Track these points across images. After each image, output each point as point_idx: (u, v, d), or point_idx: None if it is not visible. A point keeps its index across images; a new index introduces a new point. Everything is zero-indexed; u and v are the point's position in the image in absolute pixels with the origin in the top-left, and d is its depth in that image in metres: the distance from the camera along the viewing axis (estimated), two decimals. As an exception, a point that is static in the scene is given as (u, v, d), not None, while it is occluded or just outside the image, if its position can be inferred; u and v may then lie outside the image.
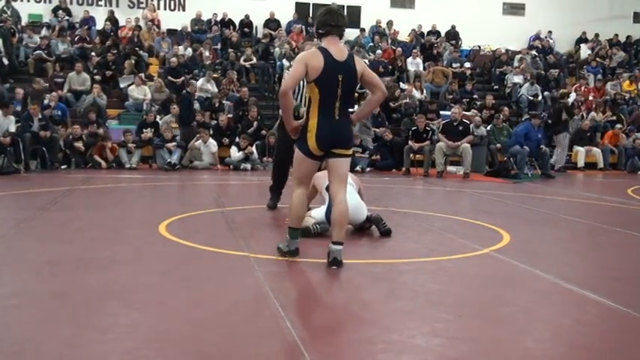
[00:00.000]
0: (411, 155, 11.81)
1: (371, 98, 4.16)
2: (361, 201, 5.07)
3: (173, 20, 17.00)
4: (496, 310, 3.27)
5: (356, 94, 14.02)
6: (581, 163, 13.15)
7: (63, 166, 10.85)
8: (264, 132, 12.11)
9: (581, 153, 13.25)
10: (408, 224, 5.89)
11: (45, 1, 16.98)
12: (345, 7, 18.43)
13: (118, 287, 3.47)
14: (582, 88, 16.00)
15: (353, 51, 16.60)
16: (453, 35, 18.49)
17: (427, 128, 11.98)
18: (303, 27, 17.48)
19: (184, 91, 12.84)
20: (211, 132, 12.15)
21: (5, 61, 13.50)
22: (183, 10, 17.61)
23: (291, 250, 4.19)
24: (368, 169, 11.77)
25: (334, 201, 4.05)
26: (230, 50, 15.76)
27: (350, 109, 4.05)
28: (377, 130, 12.79)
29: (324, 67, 3.86)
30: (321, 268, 4.07)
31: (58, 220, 5.62)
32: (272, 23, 17.46)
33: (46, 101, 12.06)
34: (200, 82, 14.04)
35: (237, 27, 17.19)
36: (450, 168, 11.92)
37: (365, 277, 3.94)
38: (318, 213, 5.07)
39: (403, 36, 18.18)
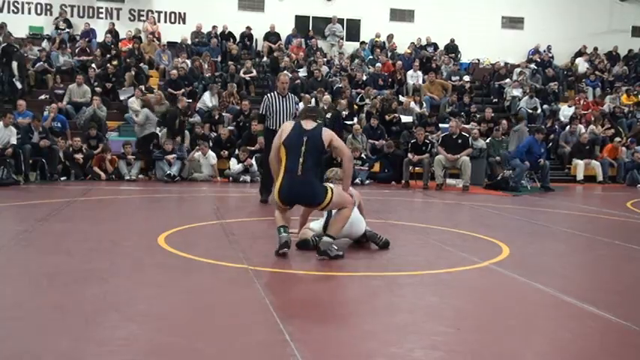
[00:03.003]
0: (411, 168, 11.85)
1: (342, 165, 4.80)
2: (360, 215, 5.08)
3: (173, 33, 17.09)
4: (496, 324, 3.26)
5: (355, 107, 14.32)
6: (580, 176, 13.16)
7: (62, 178, 10.86)
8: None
9: (580, 166, 13.24)
10: (408, 237, 5.89)
11: (46, 14, 17.08)
12: (345, 21, 18.65)
13: (116, 299, 3.46)
14: (581, 102, 16.05)
15: (353, 64, 16.74)
16: (452, 48, 18.58)
17: (426, 141, 12.03)
18: (302, 40, 17.57)
19: (173, 107, 12.86)
20: (211, 144, 12.19)
21: (19, 85, 13.44)
22: (184, 22, 17.71)
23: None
24: (367, 181, 11.81)
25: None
26: (230, 63, 15.85)
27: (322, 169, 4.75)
28: (376, 142, 12.82)
29: (291, 130, 4.67)
30: (320, 280, 4.07)
31: (57, 231, 5.61)
32: (272, 37, 17.55)
33: (45, 113, 12.06)
34: (206, 95, 14.08)
35: (238, 39, 17.29)
36: (449, 180, 11.93)
37: (364, 290, 3.93)
38: (317, 225, 5.08)
39: (402, 49, 18.28)
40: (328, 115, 11.94)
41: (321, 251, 4.46)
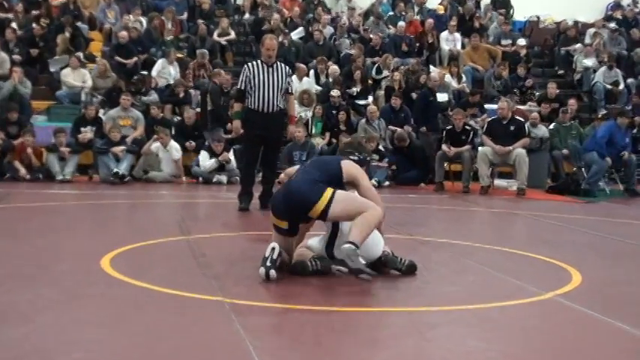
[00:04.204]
0: (445, 164, 11.90)
1: (362, 215, 4.97)
2: (378, 233, 5.13)
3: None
4: (563, 378, 3.27)
5: (370, 82, 14.36)
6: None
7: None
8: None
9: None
10: (442, 259, 5.89)
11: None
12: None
13: (43, 345, 3.42)
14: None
15: (367, 23, 16.90)
16: (501, 3, 18.62)
17: (467, 127, 12.05)
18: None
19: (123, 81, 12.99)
20: (173, 132, 12.31)
21: None
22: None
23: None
24: (386, 182, 11.90)
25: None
26: (200, 21, 15.92)
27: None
28: (398, 129, 12.92)
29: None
30: (320, 318, 4.07)
31: (-39, 252, 5.60)
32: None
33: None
34: (159, 64, 14.14)
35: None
36: (498, 182, 12.15)
37: (382, 331, 3.94)
38: (317, 244, 5.16)
39: (434, 3, 18.32)
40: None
41: (344, 263, 4.68)
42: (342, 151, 5.38)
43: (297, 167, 5.34)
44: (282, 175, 5.52)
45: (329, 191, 4.74)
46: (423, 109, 13.32)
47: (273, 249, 4.75)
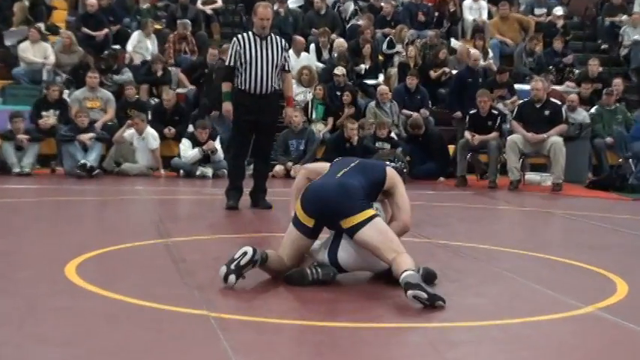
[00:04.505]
0: (469, 155, 11.92)
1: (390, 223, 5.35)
2: None
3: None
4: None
5: (381, 58, 14.31)
6: None
7: None
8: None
9: None
10: (464, 266, 5.90)
11: None
12: None
13: (-2, 366, 3.41)
14: None
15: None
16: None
17: (494, 112, 12.00)
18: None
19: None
20: (150, 117, 12.29)
21: None
22: None
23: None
24: None
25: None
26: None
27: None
28: (414, 114, 12.87)
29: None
30: (321, 336, 4.04)
31: None
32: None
33: None
34: (134, 37, 14.14)
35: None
36: (530, 176, 12.08)
37: (394, 350, 3.91)
38: (318, 249, 5.20)
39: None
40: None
41: (418, 288, 4.54)
42: (380, 156, 5.79)
43: (324, 164, 5.55)
44: (302, 171, 5.62)
45: (371, 211, 4.95)
46: (458, 91, 13.21)
47: (245, 254, 4.79)
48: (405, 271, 4.59)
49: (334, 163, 5.34)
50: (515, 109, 12.01)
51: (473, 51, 14.09)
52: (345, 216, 4.90)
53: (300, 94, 13.10)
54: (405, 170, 5.59)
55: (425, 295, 4.47)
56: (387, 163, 5.42)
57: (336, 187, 5.00)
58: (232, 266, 4.74)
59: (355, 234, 4.88)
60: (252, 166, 8.75)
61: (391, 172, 5.23)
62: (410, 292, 4.47)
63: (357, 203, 4.93)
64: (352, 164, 5.21)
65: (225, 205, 8.32)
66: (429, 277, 5.11)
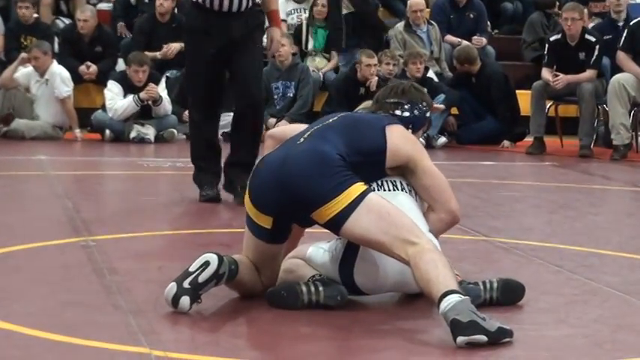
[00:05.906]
0: (548, 105, 11.05)
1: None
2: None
3: None
4: None
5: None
6: None
7: None
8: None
9: None
10: (541, 277, 5.11)
11: None
12: None
13: None
14: None
15: None
16: None
17: (587, 39, 10.73)
18: None
19: None
20: (57, 48, 11.71)
21: None
22: None
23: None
24: (441, 139, 11.06)
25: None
26: None
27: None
28: (461, 41, 11.79)
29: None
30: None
31: None
32: None
33: None
34: None
35: None
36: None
37: None
38: (322, 257, 4.21)
39: None
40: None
41: (464, 326, 3.52)
42: (383, 101, 4.38)
43: (299, 126, 4.62)
44: (268, 140, 4.60)
45: (357, 188, 3.75)
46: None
47: (205, 265, 3.87)
48: (445, 295, 3.59)
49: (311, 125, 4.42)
50: (625, 34, 10.33)
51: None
52: (316, 205, 3.82)
53: (290, 13, 12.35)
54: (427, 115, 4.30)
55: (485, 339, 3.54)
56: (392, 114, 4.18)
57: (295, 161, 3.94)
58: (186, 284, 3.88)
59: (340, 229, 3.86)
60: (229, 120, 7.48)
61: (397, 134, 4.03)
62: (461, 340, 3.51)
63: (331, 180, 3.84)
64: (330, 120, 4.17)
65: (200, 197, 7.19)
66: (509, 290, 4.18)
